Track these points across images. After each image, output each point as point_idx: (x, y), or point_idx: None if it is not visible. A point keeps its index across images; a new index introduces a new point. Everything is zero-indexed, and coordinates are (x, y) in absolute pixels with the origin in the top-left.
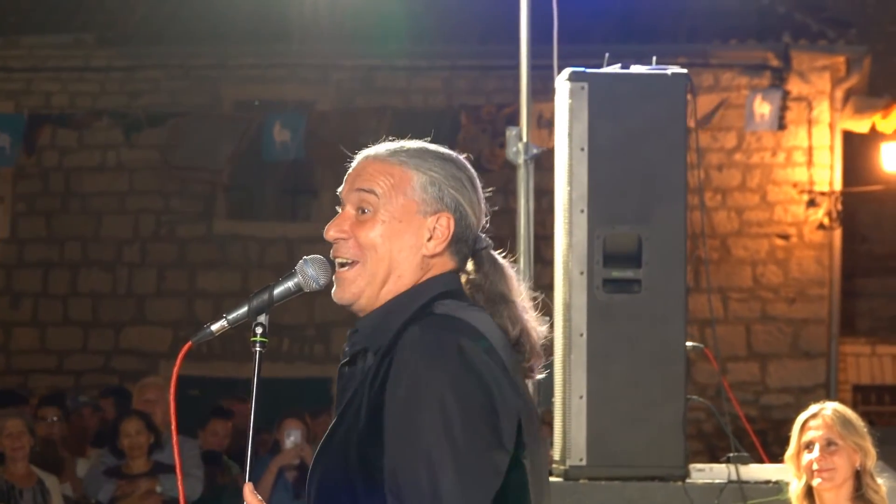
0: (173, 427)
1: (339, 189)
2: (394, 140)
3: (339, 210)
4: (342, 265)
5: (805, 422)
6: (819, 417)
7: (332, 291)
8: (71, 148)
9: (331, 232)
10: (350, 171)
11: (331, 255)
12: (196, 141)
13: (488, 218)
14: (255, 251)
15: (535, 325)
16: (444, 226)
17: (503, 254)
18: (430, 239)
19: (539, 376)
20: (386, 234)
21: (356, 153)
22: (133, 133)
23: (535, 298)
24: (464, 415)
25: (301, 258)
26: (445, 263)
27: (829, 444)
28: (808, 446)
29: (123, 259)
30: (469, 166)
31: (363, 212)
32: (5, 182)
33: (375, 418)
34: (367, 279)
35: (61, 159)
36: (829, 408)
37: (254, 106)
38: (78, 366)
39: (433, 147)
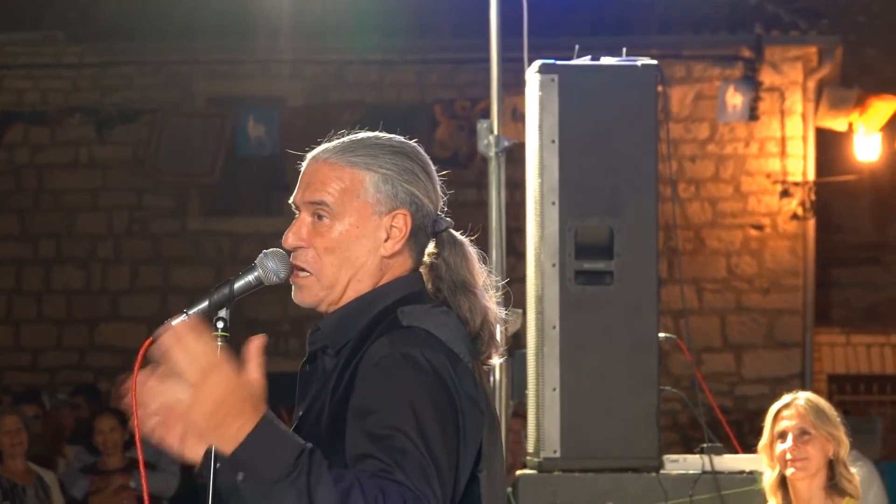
0: (136, 422)
1: (293, 195)
2: (348, 133)
3: (296, 214)
4: (300, 270)
5: (778, 412)
6: (792, 407)
7: (292, 294)
8: (43, 145)
9: (289, 240)
10: (301, 174)
11: (291, 262)
12: (178, 144)
13: (445, 199)
14: (228, 246)
15: (495, 311)
16: (400, 224)
17: (469, 236)
18: (387, 239)
19: (495, 361)
20: (343, 241)
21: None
22: (105, 130)
23: (500, 286)
24: (434, 420)
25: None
26: (405, 261)
27: (802, 433)
28: (782, 436)
29: (97, 256)
30: (421, 152)
31: (319, 217)
32: None
33: (335, 425)
34: (326, 288)
35: (33, 156)
36: (802, 397)
37: (226, 101)
38: (52, 363)
39: (384, 138)
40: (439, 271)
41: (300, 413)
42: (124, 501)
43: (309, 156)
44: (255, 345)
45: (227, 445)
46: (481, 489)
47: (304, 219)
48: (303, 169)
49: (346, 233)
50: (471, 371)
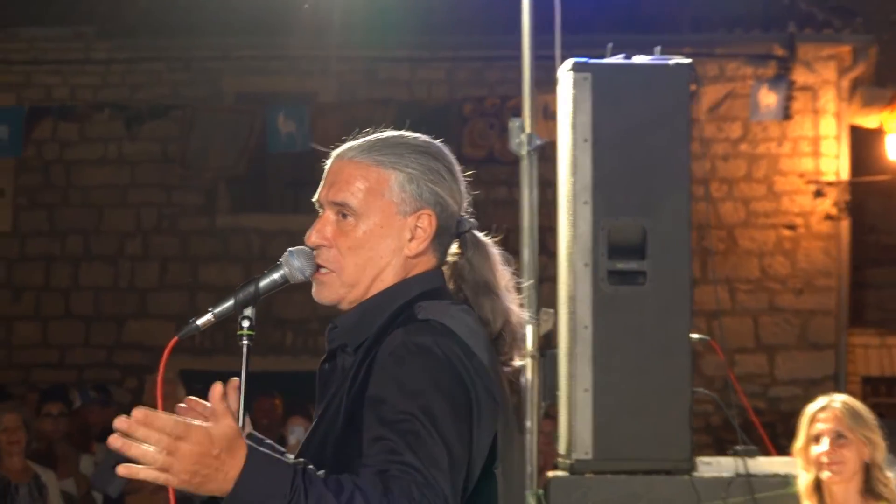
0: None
1: (317, 193)
2: (374, 131)
3: (320, 211)
4: (323, 269)
5: (814, 414)
6: (828, 410)
7: (313, 291)
8: (72, 141)
9: (312, 238)
10: (326, 172)
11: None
12: (207, 140)
13: (470, 199)
14: (258, 243)
15: (518, 313)
16: (425, 224)
17: (496, 236)
18: (411, 239)
19: (517, 363)
20: (367, 241)
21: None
22: (135, 126)
23: (525, 287)
24: (446, 406)
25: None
26: (429, 261)
27: (838, 436)
28: (817, 439)
29: (125, 252)
30: (446, 152)
31: (343, 216)
32: (7, 175)
33: (352, 421)
34: (348, 287)
35: (62, 152)
36: (838, 400)
37: (256, 98)
38: (80, 360)
39: (409, 137)
40: (462, 272)
41: (319, 411)
42: (161, 501)
43: (334, 154)
44: (216, 392)
45: (221, 492)
46: (498, 487)
47: (328, 217)
48: (327, 167)
49: (369, 232)
50: (486, 366)
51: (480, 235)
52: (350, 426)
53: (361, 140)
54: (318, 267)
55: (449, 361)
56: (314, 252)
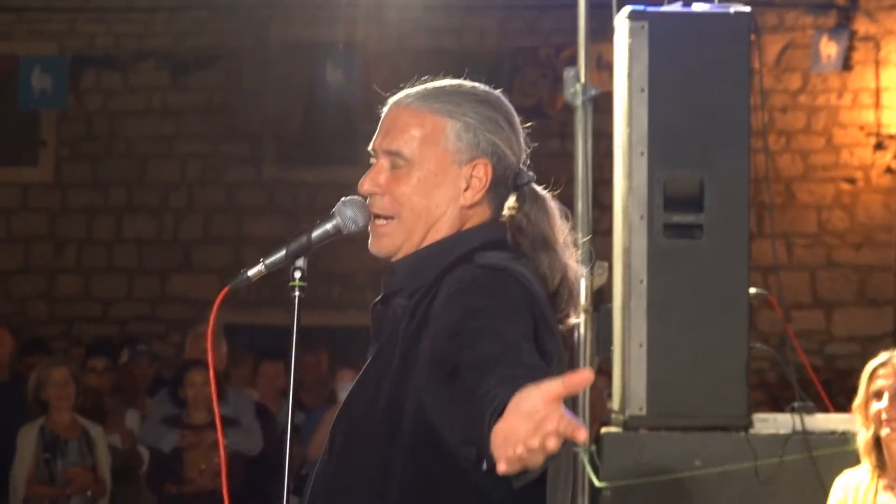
0: (211, 373)
1: (372, 141)
2: (431, 80)
3: (373, 160)
4: (377, 217)
5: (874, 370)
6: (889, 366)
7: (369, 242)
8: (116, 91)
9: (365, 185)
10: (382, 119)
11: (368, 209)
12: (254, 90)
13: (528, 152)
14: (304, 196)
15: (576, 269)
16: (480, 174)
17: (553, 190)
18: (467, 189)
19: (573, 321)
20: (421, 189)
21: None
22: (180, 75)
23: (582, 243)
24: (523, 316)
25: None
26: (484, 212)
27: None
28: (878, 395)
29: (169, 204)
30: (505, 102)
31: (398, 165)
32: (49, 126)
33: (406, 359)
34: (404, 235)
35: (106, 102)
36: None
37: (304, 47)
38: (123, 314)
39: (467, 86)
40: (520, 226)
41: (372, 352)
42: (216, 457)
43: (390, 101)
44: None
45: None
46: None
47: (383, 164)
48: (384, 114)
49: (424, 180)
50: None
51: (539, 189)
52: (404, 364)
53: (419, 88)
54: (373, 217)
55: (520, 281)
56: (368, 201)
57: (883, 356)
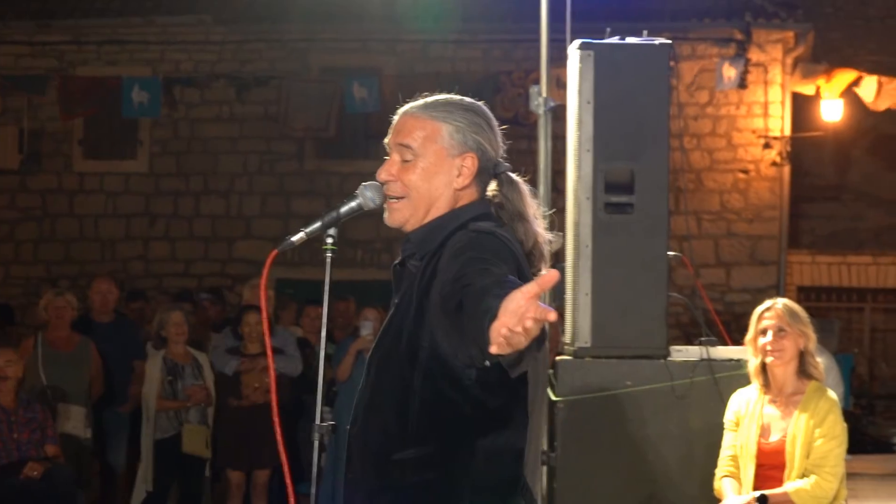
0: (263, 315)
1: (386, 139)
2: (430, 95)
3: (388, 156)
4: (391, 198)
5: (761, 313)
6: (772, 309)
7: (384, 217)
8: (195, 103)
9: (382, 175)
10: (394, 124)
11: (384, 192)
12: (299, 103)
13: (505, 147)
14: (336, 182)
15: (543, 234)
16: (469, 164)
17: (523, 177)
18: (458, 175)
19: (544, 272)
20: (424, 176)
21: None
22: (243, 92)
23: (547, 215)
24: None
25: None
26: (473, 193)
27: (779, 330)
28: (764, 332)
29: (235, 189)
30: (485, 110)
31: (406, 159)
32: (145, 130)
33: (421, 306)
34: (412, 210)
35: (187, 112)
36: (780, 302)
37: (336, 71)
38: (201, 271)
39: (457, 99)
40: (500, 203)
41: (395, 301)
42: (266, 378)
43: (400, 111)
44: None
45: None
46: (538, 365)
47: (395, 159)
48: (395, 120)
49: (426, 169)
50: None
51: (513, 175)
52: (419, 313)
53: (420, 101)
54: (388, 198)
55: (508, 243)
56: (384, 186)
57: (767, 302)
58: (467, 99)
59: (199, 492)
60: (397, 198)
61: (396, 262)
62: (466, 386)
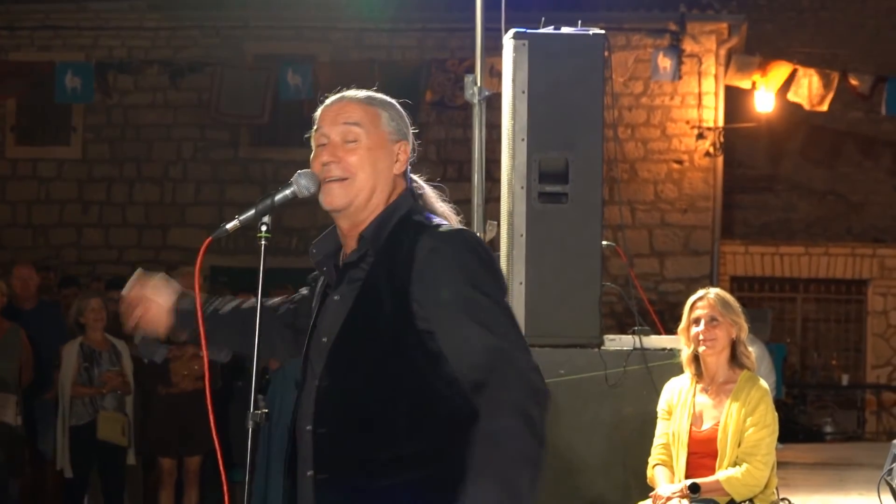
0: (198, 303)
1: (317, 127)
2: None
3: (319, 144)
4: (332, 180)
5: (694, 303)
6: (704, 299)
7: (322, 199)
8: (128, 90)
9: (325, 156)
10: (329, 110)
11: (320, 176)
12: (233, 91)
13: (415, 154)
14: (271, 170)
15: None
16: (404, 152)
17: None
18: (396, 161)
19: None
20: (370, 158)
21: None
22: (177, 78)
23: (455, 208)
24: (489, 272)
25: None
26: (402, 183)
27: (712, 319)
28: (696, 321)
29: (169, 176)
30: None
31: (349, 141)
32: (79, 116)
33: (401, 305)
34: (356, 192)
35: (121, 98)
36: (713, 292)
37: (270, 58)
38: (134, 258)
39: (382, 95)
40: (422, 194)
41: (337, 297)
42: (195, 365)
43: (331, 99)
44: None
45: None
46: None
47: (336, 141)
48: (327, 107)
49: (371, 151)
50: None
51: (418, 178)
52: (400, 314)
53: (351, 92)
54: (328, 180)
55: (479, 242)
56: (324, 168)
57: (700, 292)
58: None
59: (120, 480)
60: (340, 179)
61: (350, 259)
62: (448, 373)
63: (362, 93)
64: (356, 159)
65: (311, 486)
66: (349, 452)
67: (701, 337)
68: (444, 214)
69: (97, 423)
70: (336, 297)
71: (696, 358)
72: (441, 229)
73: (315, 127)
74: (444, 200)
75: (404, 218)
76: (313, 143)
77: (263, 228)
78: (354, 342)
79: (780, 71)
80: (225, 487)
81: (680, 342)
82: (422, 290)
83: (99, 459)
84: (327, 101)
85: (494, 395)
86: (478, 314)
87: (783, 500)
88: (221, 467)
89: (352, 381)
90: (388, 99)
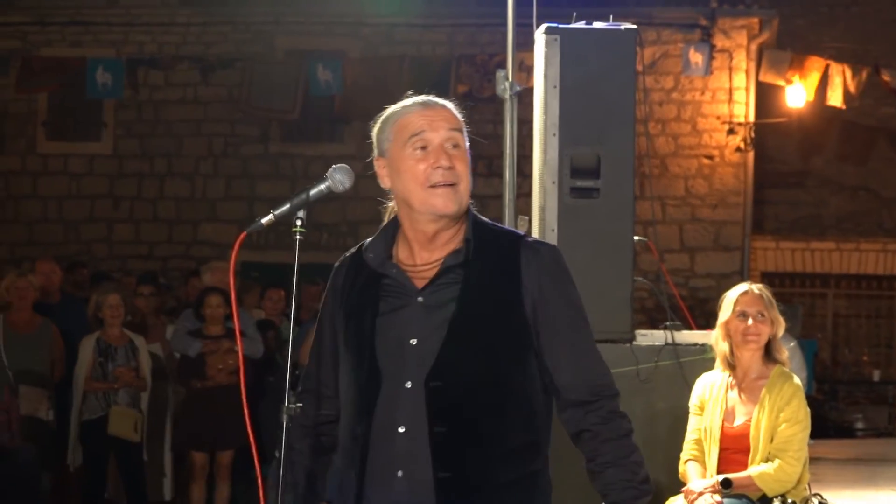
0: (233, 297)
1: (416, 132)
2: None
3: (419, 147)
4: (447, 185)
5: (738, 297)
6: (750, 294)
7: (440, 204)
8: (159, 85)
9: (443, 161)
10: (425, 114)
11: (434, 180)
12: (263, 86)
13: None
14: (301, 166)
15: None
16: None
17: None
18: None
19: None
20: (468, 164)
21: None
22: (208, 74)
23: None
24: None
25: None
26: None
27: (759, 315)
28: (744, 316)
29: (200, 171)
30: None
31: (455, 146)
32: (109, 112)
33: (513, 303)
34: (462, 197)
35: (152, 94)
36: (757, 288)
37: (301, 53)
38: (165, 253)
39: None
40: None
41: (461, 298)
42: (230, 360)
43: (419, 102)
44: None
45: None
46: None
47: (445, 146)
48: (421, 111)
49: (467, 161)
50: None
51: None
52: (516, 311)
53: (427, 96)
54: (442, 183)
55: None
56: (438, 171)
57: (744, 287)
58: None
59: (138, 475)
60: (452, 184)
61: (454, 262)
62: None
63: (444, 101)
64: (462, 165)
65: (422, 486)
66: (469, 450)
67: (748, 332)
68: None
69: (109, 418)
70: (420, 300)
71: (731, 352)
72: (530, 238)
73: (398, 131)
74: None
75: (479, 222)
76: (403, 145)
77: (298, 223)
78: (465, 342)
79: (813, 67)
80: (260, 481)
81: (713, 336)
82: (536, 294)
83: (114, 455)
84: (414, 104)
85: (604, 417)
86: (585, 338)
87: (815, 495)
88: (256, 461)
89: (466, 381)
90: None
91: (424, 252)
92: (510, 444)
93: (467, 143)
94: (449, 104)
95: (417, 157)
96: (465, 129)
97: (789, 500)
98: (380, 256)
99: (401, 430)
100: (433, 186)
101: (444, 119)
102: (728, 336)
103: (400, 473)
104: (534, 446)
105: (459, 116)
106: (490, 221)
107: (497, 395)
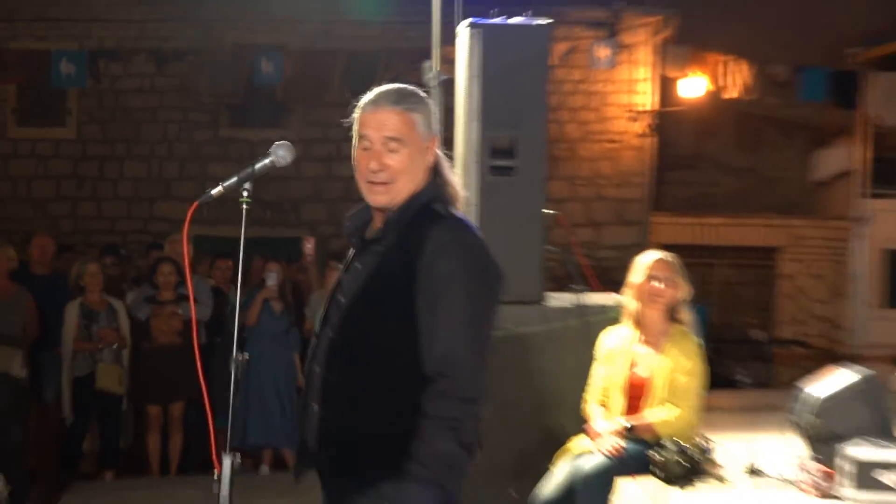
0: (186, 262)
1: (360, 128)
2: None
3: (364, 147)
4: (377, 184)
5: (652, 262)
6: (662, 261)
7: (369, 198)
8: (119, 76)
9: (373, 164)
10: (371, 116)
11: (369, 178)
12: (213, 76)
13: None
14: (247, 149)
15: (458, 180)
16: (433, 145)
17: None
18: (427, 156)
19: None
20: (409, 163)
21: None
22: (163, 65)
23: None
24: (481, 291)
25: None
26: (429, 173)
27: (669, 279)
28: (656, 279)
29: (156, 154)
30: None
31: (391, 151)
32: (73, 100)
33: (408, 279)
34: (396, 192)
35: (112, 84)
36: (669, 255)
37: (246, 47)
38: (125, 228)
39: (411, 89)
40: (444, 181)
41: (359, 265)
42: (174, 322)
43: (371, 100)
44: None
45: None
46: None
47: (379, 149)
48: (368, 111)
49: (410, 156)
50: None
51: (441, 153)
52: (408, 287)
53: (386, 91)
54: (373, 183)
55: (483, 252)
56: (371, 174)
57: (657, 254)
58: (416, 88)
59: (116, 425)
60: (384, 183)
61: (375, 236)
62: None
63: (398, 95)
64: (398, 167)
65: (316, 419)
66: (351, 399)
67: (658, 294)
68: (454, 190)
69: (96, 374)
70: (358, 266)
71: (640, 311)
72: (451, 223)
73: (357, 125)
74: (452, 169)
75: (425, 205)
76: (355, 138)
77: (245, 194)
78: (366, 305)
79: (710, 62)
80: (211, 428)
81: (623, 296)
82: (425, 272)
83: (98, 407)
84: (367, 102)
85: (435, 396)
86: (454, 315)
87: (701, 436)
88: (209, 410)
89: (359, 339)
90: (419, 94)
91: (375, 225)
92: (389, 401)
93: (425, 132)
94: (395, 102)
95: (362, 154)
96: (417, 123)
97: (678, 440)
98: (353, 225)
99: (317, 371)
100: (369, 182)
101: (385, 121)
102: (638, 296)
103: (315, 407)
104: (407, 408)
105: (405, 115)
106: (444, 203)
107: (379, 358)
